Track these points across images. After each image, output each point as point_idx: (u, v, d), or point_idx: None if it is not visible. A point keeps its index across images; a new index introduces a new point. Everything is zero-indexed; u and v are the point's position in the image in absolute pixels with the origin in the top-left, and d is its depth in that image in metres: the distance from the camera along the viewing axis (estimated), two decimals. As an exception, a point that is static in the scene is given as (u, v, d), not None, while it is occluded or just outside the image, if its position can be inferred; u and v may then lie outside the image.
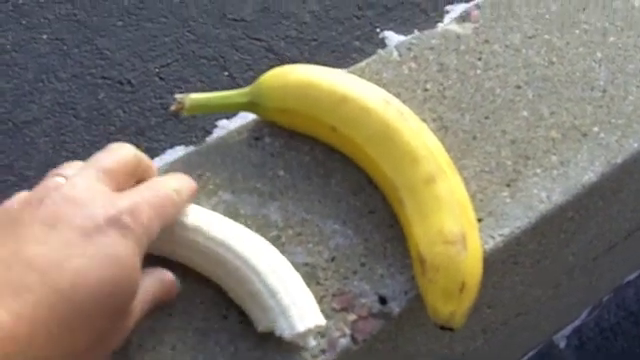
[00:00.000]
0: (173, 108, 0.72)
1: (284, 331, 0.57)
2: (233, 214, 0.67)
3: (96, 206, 0.51)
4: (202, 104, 0.72)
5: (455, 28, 0.82)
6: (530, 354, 1.19)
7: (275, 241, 0.66)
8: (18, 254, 0.48)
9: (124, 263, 0.50)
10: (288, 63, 0.71)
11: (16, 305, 0.45)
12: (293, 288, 0.59)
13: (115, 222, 0.51)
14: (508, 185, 0.70)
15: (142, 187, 0.57)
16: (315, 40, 1.54)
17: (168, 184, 0.58)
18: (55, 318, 0.46)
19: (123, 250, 0.51)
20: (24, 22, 1.59)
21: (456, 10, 1.60)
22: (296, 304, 0.58)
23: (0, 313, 0.44)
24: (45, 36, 1.57)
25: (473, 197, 0.67)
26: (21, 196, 0.53)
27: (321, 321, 0.59)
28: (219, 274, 0.60)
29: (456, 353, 0.84)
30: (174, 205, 0.57)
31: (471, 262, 0.59)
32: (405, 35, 1.55)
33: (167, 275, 0.60)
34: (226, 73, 1.50)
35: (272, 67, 0.72)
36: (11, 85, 1.50)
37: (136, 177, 0.59)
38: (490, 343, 0.89)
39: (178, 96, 0.72)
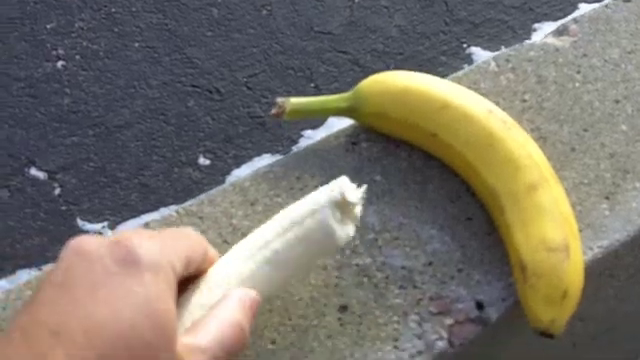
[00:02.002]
0: (273, 112, 0.73)
1: None
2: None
3: (104, 252, 0.49)
4: (302, 109, 0.73)
5: (553, 41, 0.82)
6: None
7: (372, 244, 0.67)
8: (32, 323, 0.46)
9: (138, 296, 0.48)
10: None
11: None
12: None
13: (124, 260, 0.49)
14: (607, 198, 0.70)
15: None
16: (401, 54, 1.56)
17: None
18: None
19: (135, 284, 0.48)
20: (116, 30, 1.64)
21: (543, 28, 1.61)
22: None
23: None
24: (137, 44, 1.62)
25: (572, 209, 0.67)
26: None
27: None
28: None
29: (544, 366, 0.84)
30: (187, 238, 0.55)
31: (573, 270, 0.59)
32: (492, 51, 1.56)
33: (234, 317, 0.54)
34: (312, 84, 1.53)
35: (358, 80, 0.74)
36: (104, 90, 1.55)
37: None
38: (578, 357, 0.88)
39: (279, 100, 0.73)
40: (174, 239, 0.54)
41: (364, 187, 0.59)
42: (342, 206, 0.57)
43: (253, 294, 0.55)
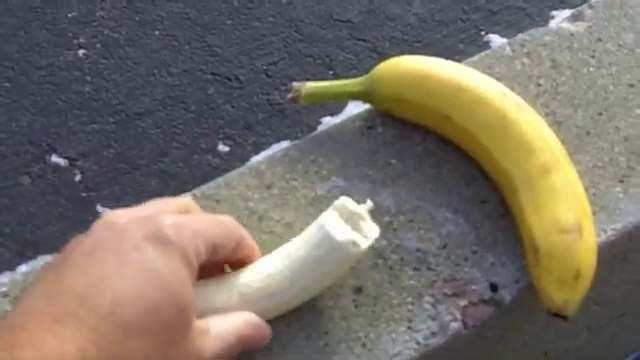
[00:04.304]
0: (290, 96, 0.74)
1: None
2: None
3: (135, 227, 0.51)
4: (318, 92, 0.74)
5: (568, 26, 0.82)
6: (631, 357, 1.18)
7: (387, 227, 0.67)
8: (57, 286, 0.48)
9: (165, 277, 0.49)
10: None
11: (61, 329, 0.45)
12: None
13: (154, 237, 0.50)
14: (621, 181, 0.70)
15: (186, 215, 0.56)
16: (419, 42, 1.56)
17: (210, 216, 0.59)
18: (101, 337, 0.46)
19: (162, 264, 0.49)
20: (137, 19, 1.66)
21: (561, 15, 1.60)
22: None
23: (47, 338, 0.45)
24: (157, 32, 1.63)
25: (586, 192, 0.68)
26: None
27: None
28: None
29: (559, 349, 0.84)
30: (219, 226, 0.56)
31: (586, 251, 0.60)
32: (509, 39, 1.55)
33: (252, 317, 0.57)
34: (331, 72, 1.53)
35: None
36: (124, 78, 1.56)
37: None
38: (593, 342, 0.88)
39: (295, 84, 0.74)
40: (207, 225, 0.55)
41: (369, 202, 0.61)
42: (349, 219, 0.60)
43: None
